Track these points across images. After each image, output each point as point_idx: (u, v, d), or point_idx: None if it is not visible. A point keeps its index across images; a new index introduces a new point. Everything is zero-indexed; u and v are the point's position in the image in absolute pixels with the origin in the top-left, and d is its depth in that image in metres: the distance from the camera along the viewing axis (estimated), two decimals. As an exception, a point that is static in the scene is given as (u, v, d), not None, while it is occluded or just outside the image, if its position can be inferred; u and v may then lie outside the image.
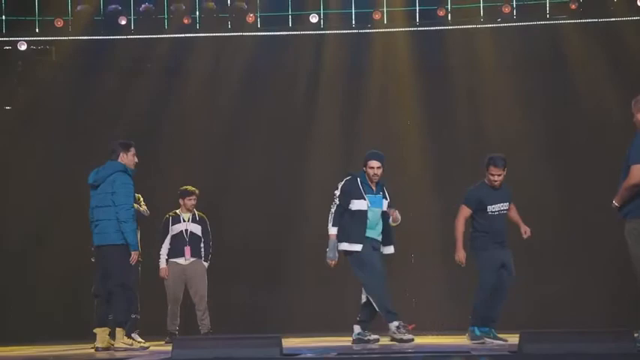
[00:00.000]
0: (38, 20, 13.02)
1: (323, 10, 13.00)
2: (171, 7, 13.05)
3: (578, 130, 12.74)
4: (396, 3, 12.98)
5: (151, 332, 10.65)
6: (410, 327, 9.21)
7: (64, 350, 9.88)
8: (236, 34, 13.02)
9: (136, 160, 9.26)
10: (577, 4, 12.59)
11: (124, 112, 12.92)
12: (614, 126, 12.16)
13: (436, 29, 12.97)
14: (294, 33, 13.07)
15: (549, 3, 12.78)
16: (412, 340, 9.09)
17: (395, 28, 13.01)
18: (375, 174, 9.29)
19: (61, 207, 12.65)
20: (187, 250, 10.93)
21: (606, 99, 12.42)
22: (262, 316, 12.81)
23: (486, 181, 9.35)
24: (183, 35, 13.04)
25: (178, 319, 10.92)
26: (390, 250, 9.43)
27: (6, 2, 12.96)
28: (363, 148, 11.85)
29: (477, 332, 9.23)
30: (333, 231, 9.21)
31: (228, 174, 13.24)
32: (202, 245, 11.01)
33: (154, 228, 10.86)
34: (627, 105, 7.22)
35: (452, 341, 9.86)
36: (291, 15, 13.12)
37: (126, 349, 9.16)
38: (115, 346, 9.19)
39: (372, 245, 9.26)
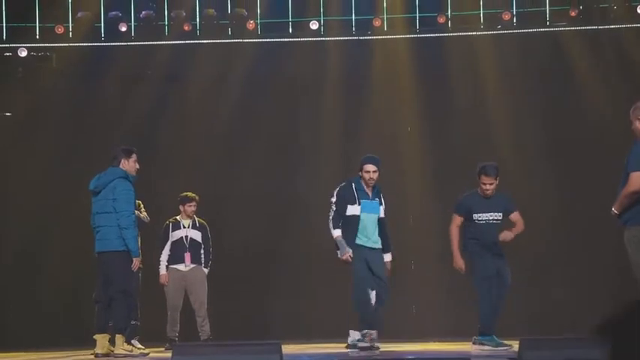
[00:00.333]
0: (39, 27, 13.03)
1: (323, 17, 13.02)
2: (172, 14, 13.07)
3: (577, 137, 12.74)
4: (397, 10, 13.00)
5: (150, 339, 10.65)
6: (369, 338, 9.18)
7: (63, 356, 9.88)
8: (236, 40, 13.03)
9: (138, 166, 9.27)
10: (577, 11, 12.60)
11: (125, 118, 12.93)
12: (614, 132, 12.16)
13: (436, 36, 12.98)
14: (294, 40, 13.09)
15: (549, 10, 12.79)
16: (378, 348, 9.07)
17: (395, 34, 13.02)
18: (370, 178, 9.28)
19: (62, 212, 12.65)
20: (187, 256, 10.93)
21: (606, 106, 12.43)
22: (262, 323, 12.80)
23: (479, 190, 9.36)
24: (183, 42, 13.05)
25: (178, 325, 10.92)
26: (387, 257, 9.42)
27: (7, 9, 12.97)
28: (364, 154, 11.87)
29: (480, 338, 9.24)
30: (337, 233, 9.21)
31: (228, 180, 13.24)
32: (202, 252, 11.01)
33: (154, 234, 10.86)
34: (627, 112, 7.23)
35: (452, 348, 9.85)
36: (292, 22, 13.13)
37: (125, 356, 9.16)
38: (115, 352, 9.19)
39: (364, 253, 9.22)
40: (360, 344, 9.07)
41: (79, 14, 12.98)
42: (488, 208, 9.30)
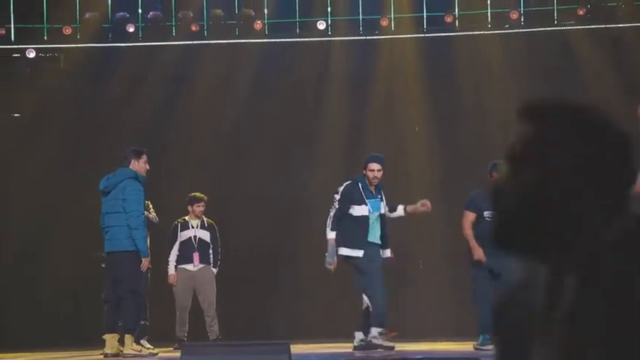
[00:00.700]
0: (47, 28, 13.05)
1: (330, 16, 13.01)
2: (179, 15, 13.08)
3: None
4: (404, 9, 12.99)
5: (159, 339, 10.65)
6: (391, 334, 9.18)
7: (72, 356, 9.90)
8: (243, 40, 13.03)
9: (148, 167, 9.29)
10: (585, 9, 12.58)
11: (132, 118, 12.94)
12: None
13: (444, 35, 12.97)
14: (301, 40, 13.08)
15: (557, 9, 12.77)
16: (393, 347, 9.06)
17: (402, 34, 13.01)
18: (375, 177, 9.28)
19: (66, 212, 12.66)
20: (196, 256, 10.94)
21: (614, 104, 12.40)
22: (271, 323, 12.80)
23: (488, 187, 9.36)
24: (190, 42, 13.06)
25: (187, 325, 10.93)
26: (387, 253, 9.42)
27: (15, 10, 12.99)
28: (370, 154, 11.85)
29: (481, 339, 9.24)
30: (331, 235, 9.22)
31: (234, 181, 13.24)
32: (211, 252, 11.02)
33: (162, 235, 10.87)
34: (635, 110, 7.22)
35: (460, 348, 9.85)
36: (299, 22, 13.13)
37: (134, 356, 9.17)
38: (124, 352, 9.21)
39: (372, 250, 9.25)
40: (384, 342, 9.05)
41: (87, 15, 12.99)
42: None
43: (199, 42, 13.06)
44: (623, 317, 1.50)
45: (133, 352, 9.26)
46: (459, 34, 12.92)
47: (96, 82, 13.18)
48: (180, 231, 10.98)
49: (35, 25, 13.05)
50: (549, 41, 12.80)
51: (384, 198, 9.43)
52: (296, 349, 9.37)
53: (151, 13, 13.05)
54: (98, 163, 11.30)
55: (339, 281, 10.18)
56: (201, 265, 10.95)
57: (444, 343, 11.03)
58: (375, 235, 9.32)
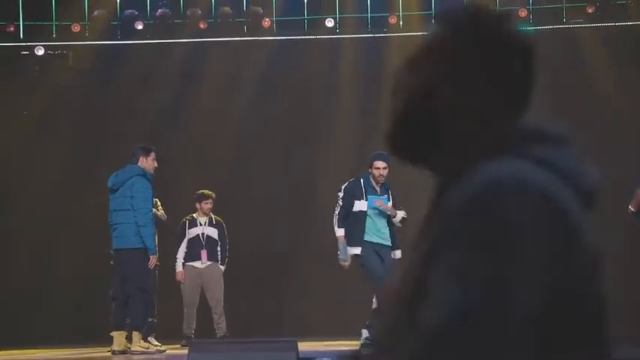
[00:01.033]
0: (55, 25, 13.07)
1: (339, 14, 13.01)
2: (187, 12, 13.08)
3: (594, 134, 12.69)
4: (412, 7, 12.97)
5: (167, 336, 10.67)
6: None
7: (80, 353, 9.92)
8: (252, 38, 13.03)
9: (156, 164, 9.30)
10: (594, 7, 12.54)
11: (140, 116, 12.96)
12: (631, 129, 12.12)
13: (452, 33, 12.95)
14: (309, 37, 13.08)
15: (566, 7, 12.74)
16: None
17: (411, 32, 12.99)
18: (380, 174, 9.26)
19: (76, 209, 12.69)
20: (204, 253, 10.95)
21: (623, 103, 12.37)
22: (278, 320, 12.81)
23: None
24: (199, 40, 13.06)
25: (194, 322, 10.94)
26: (397, 254, 9.41)
27: (23, 8, 13.02)
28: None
29: None
30: (340, 232, 9.22)
31: (242, 178, 13.25)
32: (219, 249, 11.03)
33: (171, 232, 10.89)
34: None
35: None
36: (307, 19, 13.13)
37: (142, 353, 9.19)
38: (132, 349, 9.23)
39: (373, 249, 9.22)
40: None
41: (96, 12, 13.01)
42: None
43: (207, 39, 13.07)
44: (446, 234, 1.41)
45: (141, 350, 9.28)
46: (467, 31, 12.89)
47: (104, 80, 13.19)
48: (188, 228, 11.00)
49: (44, 23, 13.07)
50: (558, 39, 12.77)
51: (391, 197, 9.41)
52: (303, 346, 9.37)
53: (159, 10, 13.06)
54: (106, 160, 11.32)
55: (346, 279, 10.18)
56: (209, 263, 10.96)
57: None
58: (379, 235, 9.29)
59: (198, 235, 11.00)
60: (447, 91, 1.53)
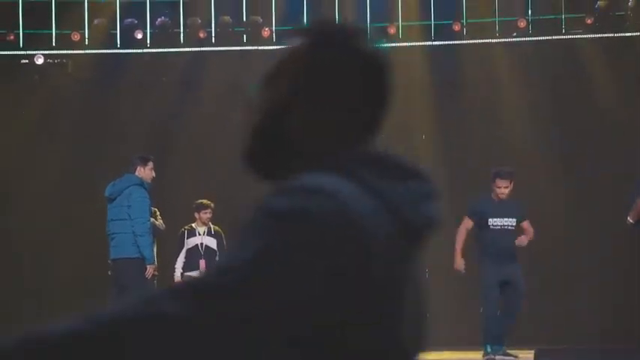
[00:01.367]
0: (55, 34, 13.07)
1: (338, 24, 13.01)
2: (187, 21, 13.09)
3: (592, 145, 12.70)
4: (412, 17, 12.98)
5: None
6: None
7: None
8: (251, 47, 13.03)
9: (154, 174, 9.29)
10: (593, 18, 12.56)
11: (140, 125, 12.95)
12: (630, 139, 12.12)
13: (452, 44, 12.96)
14: (309, 47, 13.07)
15: (565, 17, 12.76)
16: None
17: (410, 42, 13.00)
18: None
19: (75, 218, 12.68)
20: (202, 263, 10.94)
21: (621, 113, 12.38)
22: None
23: (493, 195, 9.34)
24: (198, 49, 13.06)
25: (192, 332, 10.91)
26: None
27: (23, 16, 13.02)
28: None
29: (489, 349, 9.21)
30: None
31: (241, 188, 13.21)
32: (218, 259, 11.02)
33: (170, 242, 10.87)
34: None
35: (467, 357, 9.83)
36: (307, 29, 13.13)
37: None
38: None
39: None
40: None
41: (95, 21, 13.02)
42: (502, 214, 9.28)
43: (207, 49, 13.07)
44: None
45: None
46: (466, 42, 12.91)
47: (104, 88, 13.19)
48: (187, 238, 10.99)
49: (44, 31, 13.07)
50: (557, 50, 12.78)
51: None
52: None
53: (159, 19, 13.07)
54: (105, 169, 11.31)
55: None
56: (207, 272, 10.95)
57: (451, 352, 11.00)
58: None
59: (197, 245, 10.99)
60: (298, 108, 1.51)
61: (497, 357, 9.16)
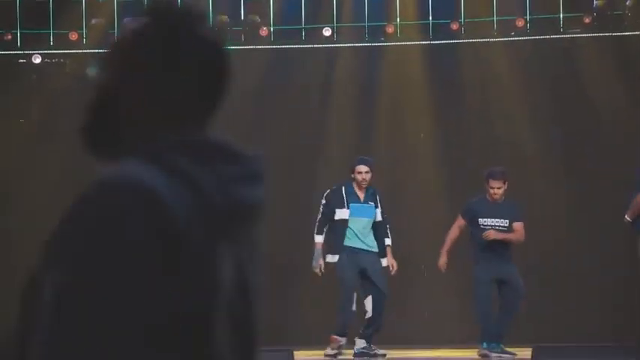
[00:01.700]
0: (53, 33, 13.06)
1: (336, 23, 13.01)
2: (185, 21, 13.09)
3: (592, 145, 12.70)
4: (409, 16, 12.98)
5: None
6: (337, 344, 9.23)
7: None
8: (249, 47, 13.03)
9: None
10: (591, 18, 12.56)
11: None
12: (628, 138, 12.12)
13: (449, 43, 12.96)
14: (307, 46, 13.08)
15: (563, 17, 12.76)
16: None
17: (408, 41, 13.01)
18: (363, 179, 9.27)
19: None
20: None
21: (620, 113, 12.38)
22: (274, 329, 12.77)
23: (487, 196, 9.37)
24: (196, 48, 13.05)
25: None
26: (384, 262, 9.41)
27: (20, 16, 13.02)
28: (376, 160, 11.83)
29: (484, 346, 9.22)
30: (318, 239, 9.26)
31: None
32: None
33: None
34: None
35: (464, 354, 9.83)
36: (304, 28, 13.13)
37: None
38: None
39: (353, 256, 9.22)
40: (326, 351, 9.10)
41: (93, 21, 13.01)
42: (494, 214, 9.30)
43: (205, 48, 13.06)
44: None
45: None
46: (464, 41, 12.91)
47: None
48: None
49: (41, 31, 13.06)
50: (555, 49, 12.79)
51: (379, 204, 9.37)
52: (299, 355, 9.35)
53: (156, 19, 13.06)
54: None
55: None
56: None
57: (449, 350, 11.00)
58: (367, 243, 9.28)
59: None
60: (127, 91, 1.52)
61: (493, 354, 9.16)
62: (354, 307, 9.18)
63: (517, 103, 12.91)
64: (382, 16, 12.97)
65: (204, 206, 1.47)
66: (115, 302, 1.39)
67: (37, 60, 12.94)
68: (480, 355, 9.18)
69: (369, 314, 9.28)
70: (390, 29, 12.88)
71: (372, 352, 9.33)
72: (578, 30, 12.71)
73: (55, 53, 13.12)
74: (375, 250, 9.28)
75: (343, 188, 9.30)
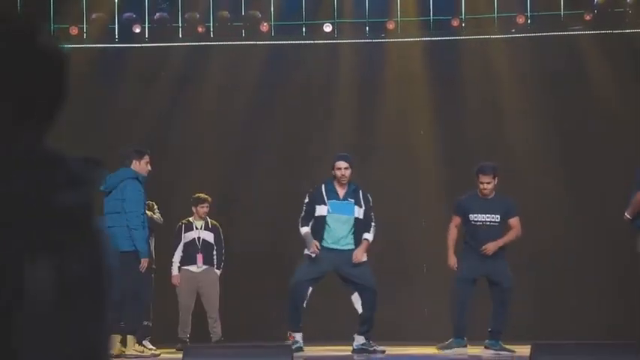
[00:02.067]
0: (53, 28, 13.06)
1: (337, 19, 13.01)
2: (186, 16, 13.08)
3: (592, 141, 12.70)
4: (410, 13, 12.98)
5: (162, 340, 10.65)
6: (290, 338, 9.27)
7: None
8: (250, 42, 13.03)
9: (149, 168, 9.28)
10: (592, 15, 12.55)
11: (138, 119, 12.95)
12: (628, 136, 12.12)
13: (450, 39, 12.96)
14: (307, 42, 13.08)
15: (564, 14, 12.75)
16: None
17: (409, 37, 13.00)
18: (342, 175, 9.26)
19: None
20: (199, 257, 10.95)
21: (621, 110, 12.38)
22: (273, 325, 12.78)
23: (478, 191, 9.38)
24: (197, 43, 13.06)
25: (189, 326, 10.92)
26: (364, 257, 9.41)
27: (21, 10, 13.00)
28: (376, 157, 11.86)
29: (454, 343, 9.29)
30: (304, 230, 9.27)
31: (240, 182, 13.24)
32: (215, 253, 11.02)
33: (167, 236, 10.87)
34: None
35: (463, 352, 9.83)
36: (305, 24, 13.13)
37: (137, 357, 9.17)
38: (126, 353, 9.21)
39: (329, 258, 9.21)
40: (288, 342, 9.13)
41: (94, 16, 13.00)
42: (485, 210, 9.29)
43: (205, 43, 13.06)
44: None
45: (136, 353, 9.25)
46: (465, 37, 12.91)
47: (102, 83, 13.18)
48: (185, 232, 10.99)
49: (42, 25, 13.05)
50: (556, 46, 12.79)
51: (363, 203, 9.32)
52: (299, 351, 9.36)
53: (157, 14, 13.06)
54: (105, 163, 11.30)
55: (341, 284, 10.15)
56: (204, 267, 10.95)
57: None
58: (342, 242, 9.27)
59: (194, 238, 10.99)
60: None
61: (491, 351, 9.18)
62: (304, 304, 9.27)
63: (517, 99, 12.90)
64: (383, 12, 12.97)
65: (19, 213, 1.47)
66: None
67: (38, 54, 12.92)
68: (439, 347, 9.29)
69: (360, 311, 9.31)
70: (390, 25, 12.87)
71: (371, 349, 9.34)
72: (579, 27, 12.71)
73: (55, 48, 13.10)
74: (351, 247, 9.25)
75: (323, 185, 9.31)
